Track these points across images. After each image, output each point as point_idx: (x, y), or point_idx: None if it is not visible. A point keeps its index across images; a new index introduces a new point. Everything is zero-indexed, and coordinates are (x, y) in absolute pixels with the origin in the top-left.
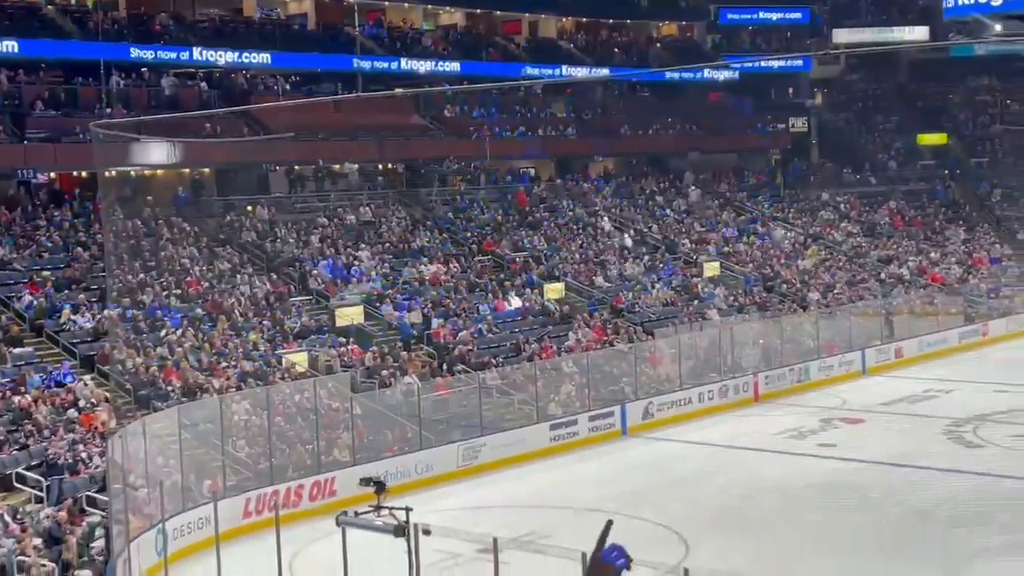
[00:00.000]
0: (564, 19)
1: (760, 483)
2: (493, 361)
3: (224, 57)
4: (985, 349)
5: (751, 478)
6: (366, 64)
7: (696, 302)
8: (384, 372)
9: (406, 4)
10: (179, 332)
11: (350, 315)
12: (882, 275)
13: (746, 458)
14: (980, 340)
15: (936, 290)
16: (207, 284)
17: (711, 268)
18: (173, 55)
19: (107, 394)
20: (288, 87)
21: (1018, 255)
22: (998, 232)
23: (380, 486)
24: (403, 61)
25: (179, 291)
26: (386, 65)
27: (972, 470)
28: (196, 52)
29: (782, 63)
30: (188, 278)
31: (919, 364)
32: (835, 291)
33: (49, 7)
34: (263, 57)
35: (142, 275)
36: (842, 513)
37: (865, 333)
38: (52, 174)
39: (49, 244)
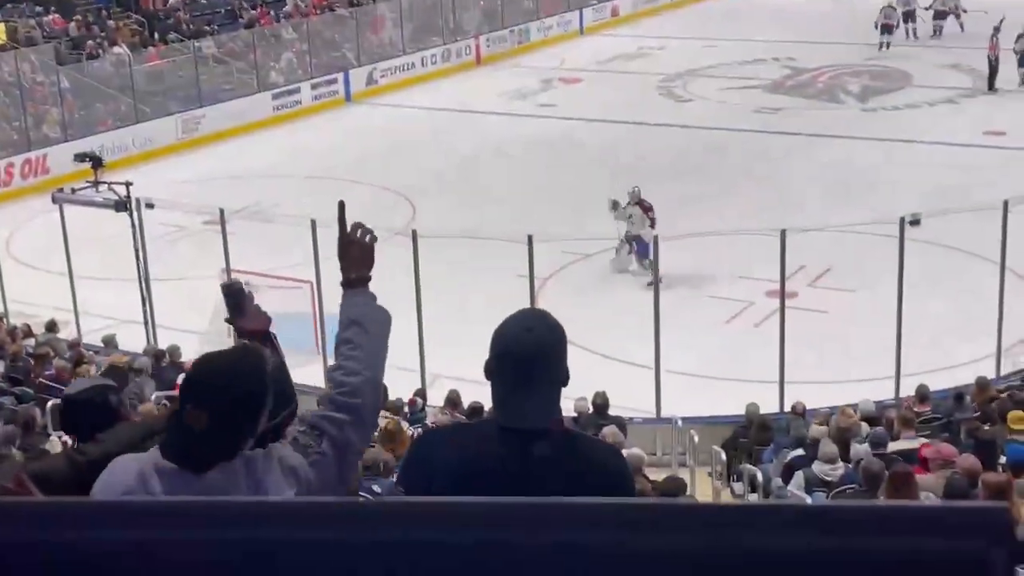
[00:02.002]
0: None
1: (482, 144)
2: (208, 28)
3: None
4: (696, 6)
5: (474, 140)
6: None
7: None
8: (91, 42)
9: None
10: None
11: None
12: None
13: (469, 121)
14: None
15: None
16: None
17: None
18: None
19: None
20: None
21: None
22: None
23: (97, 161)
24: None
25: None
26: None
27: (682, 123)
28: None
29: None
30: None
31: (634, 22)
32: None
33: None
34: None
35: None
36: (561, 170)
37: None
38: None
39: None
